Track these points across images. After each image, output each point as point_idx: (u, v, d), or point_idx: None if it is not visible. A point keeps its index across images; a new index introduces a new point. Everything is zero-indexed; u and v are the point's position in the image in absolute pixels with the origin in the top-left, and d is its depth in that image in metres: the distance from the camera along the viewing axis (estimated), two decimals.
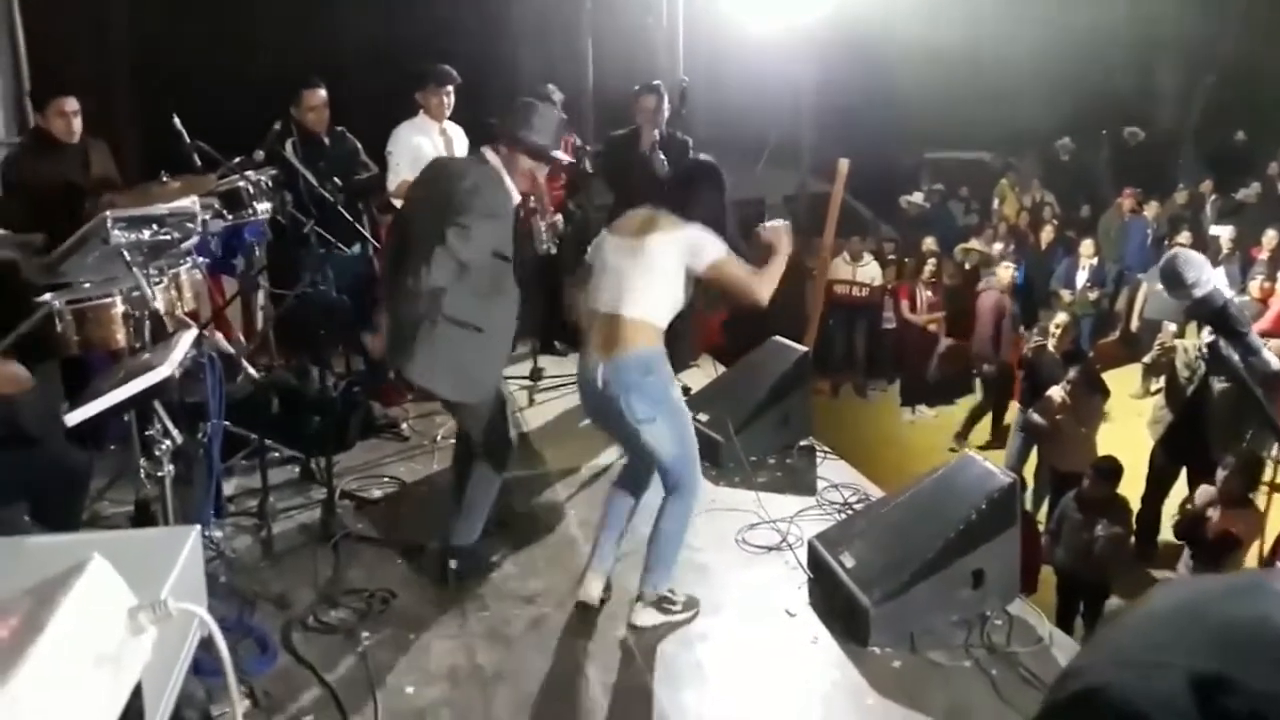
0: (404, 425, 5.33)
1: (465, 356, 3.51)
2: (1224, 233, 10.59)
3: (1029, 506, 6.36)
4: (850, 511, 4.41)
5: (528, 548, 4.14)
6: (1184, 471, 6.54)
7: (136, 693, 1.07)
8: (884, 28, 10.36)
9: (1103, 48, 13.84)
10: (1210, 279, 1.58)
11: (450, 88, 5.45)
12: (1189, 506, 5.89)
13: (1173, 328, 8.16)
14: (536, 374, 5.85)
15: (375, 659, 3.37)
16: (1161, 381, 7.36)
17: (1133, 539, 5.87)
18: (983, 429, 8.84)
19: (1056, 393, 6.55)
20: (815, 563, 3.88)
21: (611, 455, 5.04)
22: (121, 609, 1.03)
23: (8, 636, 0.92)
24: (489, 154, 3.59)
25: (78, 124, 4.82)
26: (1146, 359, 9.29)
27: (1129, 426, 7.77)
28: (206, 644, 1.30)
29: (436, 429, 5.29)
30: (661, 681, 3.29)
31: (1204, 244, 10.35)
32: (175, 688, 1.23)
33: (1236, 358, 1.49)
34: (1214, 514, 5.39)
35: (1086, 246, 10.46)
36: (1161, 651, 0.59)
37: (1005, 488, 3.61)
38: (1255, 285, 8.95)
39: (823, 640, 3.53)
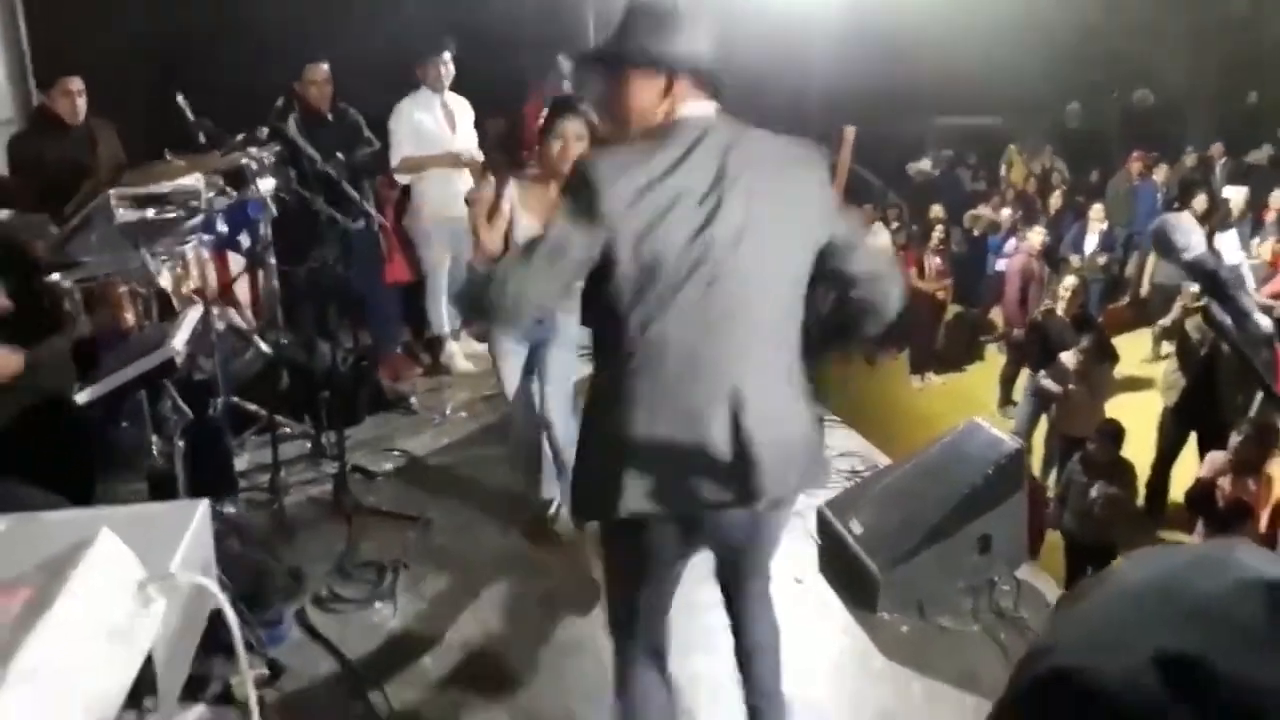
0: (412, 399, 5.35)
1: None
2: (1236, 195, 10.51)
3: (1037, 472, 6.37)
4: (859, 479, 4.42)
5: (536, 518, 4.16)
6: (1194, 436, 6.54)
7: (148, 664, 1.08)
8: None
9: (1112, 10, 13.67)
10: (1200, 243, 1.58)
11: (447, 55, 5.42)
12: (1202, 476, 5.88)
13: (1195, 288, 8.11)
14: None
15: (388, 631, 3.41)
16: (1173, 346, 7.34)
17: (1142, 502, 5.87)
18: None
19: (1069, 359, 6.54)
20: (824, 530, 3.90)
21: None
22: (131, 582, 1.04)
23: (19, 609, 0.93)
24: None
25: (82, 104, 4.82)
26: (1163, 321, 9.25)
27: (1139, 391, 7.76)
28: (220, 619, 1.31)
29: (445, 403, 5.31)
30: (671, 649, 3.31)
31: (1217, 207, 10.30)
32: (187, 659, 1.25)
33: (1229, 321, 1.49)
34: (1225, 482, 5.38)
35: (1096, 211, 10.39)
36: (1129, 630, 0.59)
37: (1012, 453, 3.63)
38: (1266, 247, 8.89)
39: (832, 606, 3.56)
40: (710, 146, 1.99)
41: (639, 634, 2.33)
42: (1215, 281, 1.60)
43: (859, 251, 2.15)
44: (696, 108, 2.05)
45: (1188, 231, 1.65)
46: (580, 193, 1.94)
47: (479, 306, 2.11)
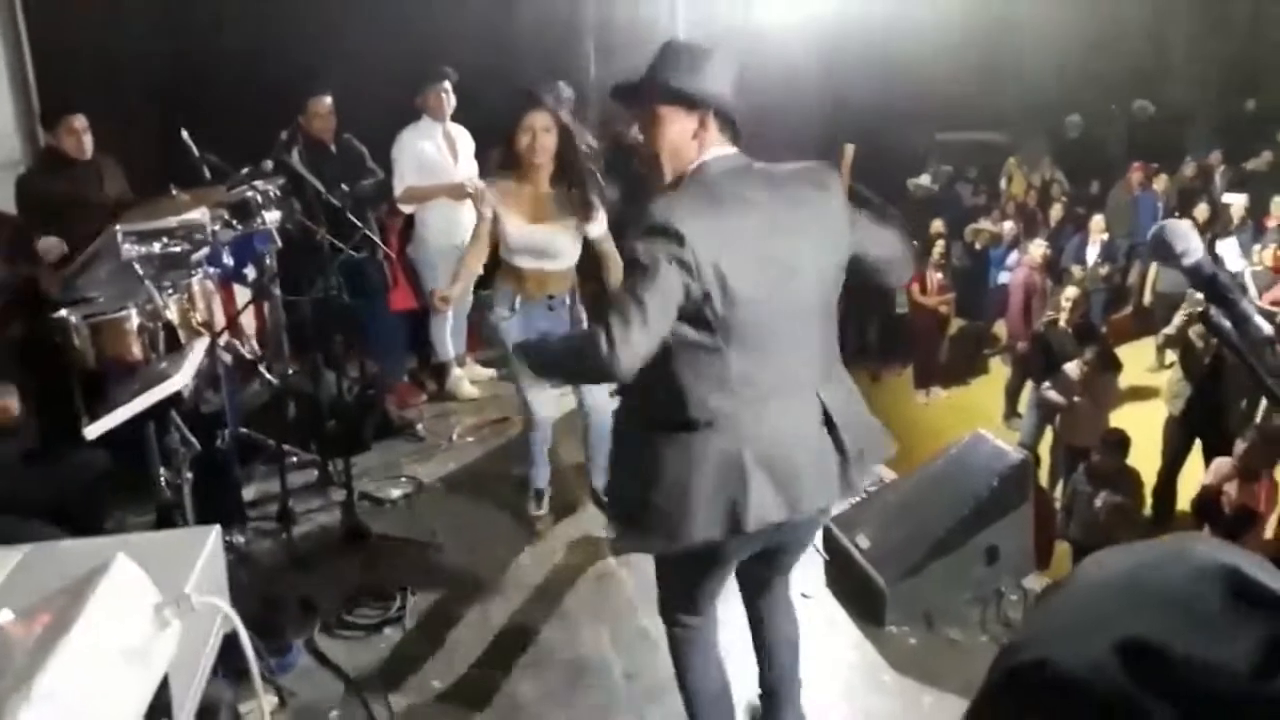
0: (419, 426, 5.38)
1: None
2: (1236, 202, 10.54)
3: (1044, 483, 6.38)
4: (865, 494, 4.43)
5: (546, 537, 4.18)
6: (1199, 444, 6.55)
7: (164, 686, 1.11)
8: (887, 11, 10.34)
9: (1109, 22, 13.74)
10: (1199, 248, 1.60)
11: (447, 84, 5.48)
12: (1207, 483, 5.89)
13: (1198, 297, 8.12)
14: None
15: (398, 656, 3.43)
16: (1176, 355, 7.35)
17: (1149, 510, 5.88)
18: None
19: (1072, 369, 6.56)
20: (830, 545, 3.91)
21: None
22: (146, 605, 1.07)
23: (40, 633, 0.96)
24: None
25: (88, 141, 4.88)
26: (1167, 330, 9.27)
27: (1144, 400, 7.76)
28: (232, 643, 1.34)
29: (451, 429, 5.34)
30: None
31: (1218, 215, 10.33)
32: (201, 682, 1.28)
33: (1228, 325, 1.51)
34: (1231, 489, 5.39)
35: (1097, 223, 10.43)
36: (1093, 621, 0.62)
37: (1016, 464, 3.64)
38: (1268, 254, 8.92)
39: (840, 621, 3.57)
40: (744, 183, 2.18)
41: (700, 619, 2.50)
42: (1214, 286, 1.62)
43: (876, 245, 2.39)
44: (723, 150, 2.21)
45: (1186, 236, 1.67)
46: (667, 237, 2.04)
47: (581, 372, 2.27)
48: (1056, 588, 0.70)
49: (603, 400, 3.96)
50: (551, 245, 3.90)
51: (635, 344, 2.01)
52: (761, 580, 2.61)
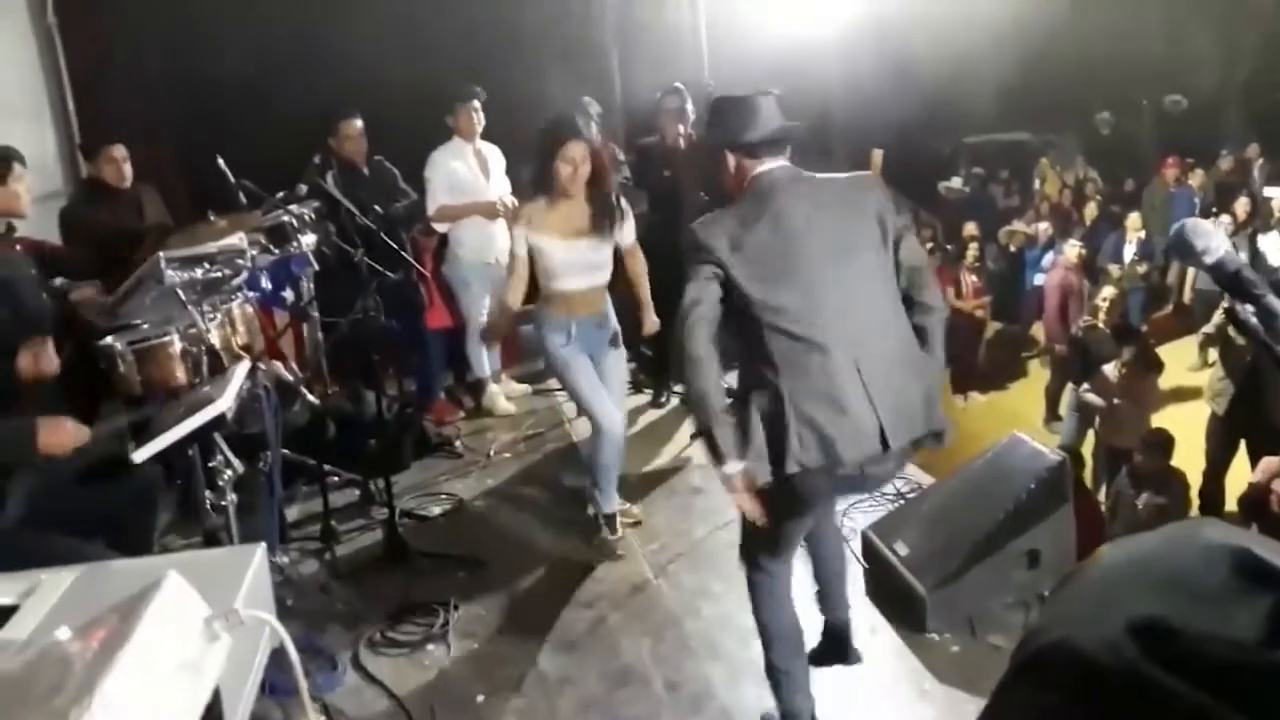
0: (457, 443, 5.43)
1: None
2: (1277, 196, 10.37)
3: (1089, 485, 6.30)
4: (903, 500, 4.41)
5: (581, 555, 4.20)
6: (1244, 443, 6.43)
7: (215, 698, 1.14)
8: (913, 16, 10.31)
9: (1137, 16, 13.60)
10: (1220, 245, 1.60)
11: (477, 103, 5.55)
12: (1255, 480, 5.79)
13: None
14: None
15: (443, 672, 3.46)
16: (1217, 353, 7.24)
17: (1195, 512, 5.78)
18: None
19: (1111, 370, 6.48)
20: (869, 553, 3.90)
21: (665, 459, 5.11)
22: (197, 619, 1.10)
23: (97, 648, 1.00)
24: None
25: (128, 170, 4.99)
26: (1206, 329, 9.14)
27: (1187, 400, 7.65)
28: (278, 662, 1.37)
29: (489, 445, 5.39)
30: (723, 677, 3.34)
31: (1258, 210, 10.17)
32: (251, 694, 1.31)
33: (1255, 322, 1.51)
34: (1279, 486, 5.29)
35: (1133, 220, 10.31)
36: (1106, 602, 0.64)
37: (1054, 466, 3.61)
38: None
39: (881, 630, 3.55)
40: (791, 191, 2.68)
41: (780, 564, 2.88)
42: (1239, 282, 1.62)
43: (906, 252, 2.76)
44: (768, 165, 2.72)
45: (1207, 234, 1.67)
46: (699, 250, 2.62)
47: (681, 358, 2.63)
48: (1073, 574, 0.73)
49: (619, 424, 4.07)
50: (596, 257, 4.02)
51: (696, 325, 2.55)
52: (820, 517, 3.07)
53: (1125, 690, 0.59)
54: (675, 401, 5.79)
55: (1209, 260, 1.62)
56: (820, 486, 2.65)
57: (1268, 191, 10.63)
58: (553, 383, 6.22)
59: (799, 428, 2.52)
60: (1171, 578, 0.63)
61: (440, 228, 5.69)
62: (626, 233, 4.10)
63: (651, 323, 4.33)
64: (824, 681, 3.26)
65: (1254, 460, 6.10)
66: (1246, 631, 0.59)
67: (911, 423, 2.61)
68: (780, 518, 2.72)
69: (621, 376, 4.35)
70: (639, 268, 4.28)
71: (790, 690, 2.90)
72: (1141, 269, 10.18)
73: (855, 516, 4.31)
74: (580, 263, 3.99)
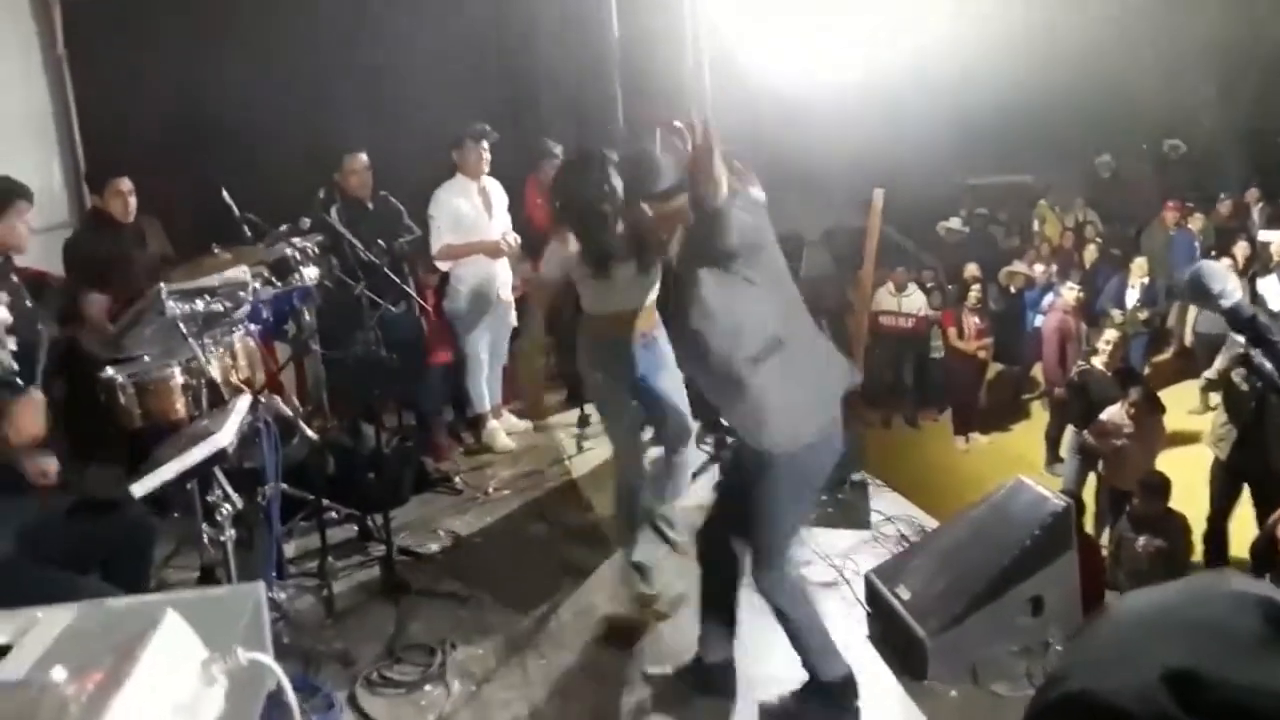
0: (456, 478, 5.40)
1: None
2: (1275, 239, 10.41)
3: (1090, 530, 6.27)
4: (906, 544, 4.38)
5: (581, 595, 4.16)
6: (1246, 488, 6.40)
7: None
8: (914, 61, 10.39)
9: (1136, 60, 13.72)
10: (1236, 289, 1.59)
11: (486, 143, 5.57)
12: (1263, 529, 5.75)
13: (1240, 339, 7.98)
14: (584, 420, 5.90)
15: (439, 712, 3.41)
16: (1219, 397, 7.23)
17: (1199, 557, 5.74)
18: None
19: (1116, 414, 6.46)
20: (873, 597, 3.86)
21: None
22: (195, 660, 1.08)
23: (92, 691, 0.98)
24: None
25: (133, 202, 5.00)
26: (1208, 373, 9.13)
27: (1187, 444, 7.63)
28: (275, 702, 1.35)
29: (488, 481, 5.36)
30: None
31: (1257, 253, 10.20)
32: None
33: (1269, 366, 1.50)
34: None
35: (1139, 265, 10.30)
36: (1136, 651, 0.62)
37: (1059, 511, 3.59)
38: None
39: (883, 676, 3.51)
40: None
41: (791, 558, 3.13)
42: (1255, 327, 1.61)
43: None
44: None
45: (1223, 278, 1.67)
46: None
47: None
48: (1094, 622, 0.71)
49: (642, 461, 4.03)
50: (638, 283, 3.79)
51: None
52: None
53: None
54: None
55: (1225, 303, 1.61)
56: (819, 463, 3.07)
57: (1264, 235, 10.69)
58: (553, 418, 6.21)
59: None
60: (1200, 626, 0.62)
61: (444, 266, 5.70)
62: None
63: None
64: None
65: (1257, 505, 6.07)
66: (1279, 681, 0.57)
67: None
68: (791, 501, 3.05)
69: (679, 392, 4.02)
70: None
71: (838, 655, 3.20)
72: (1143, 314, 10.17)
73: (859, 560, 4.27)
74: (621, 290, 3.78)
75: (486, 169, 5.62)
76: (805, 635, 3.14)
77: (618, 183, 3.45)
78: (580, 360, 4.01)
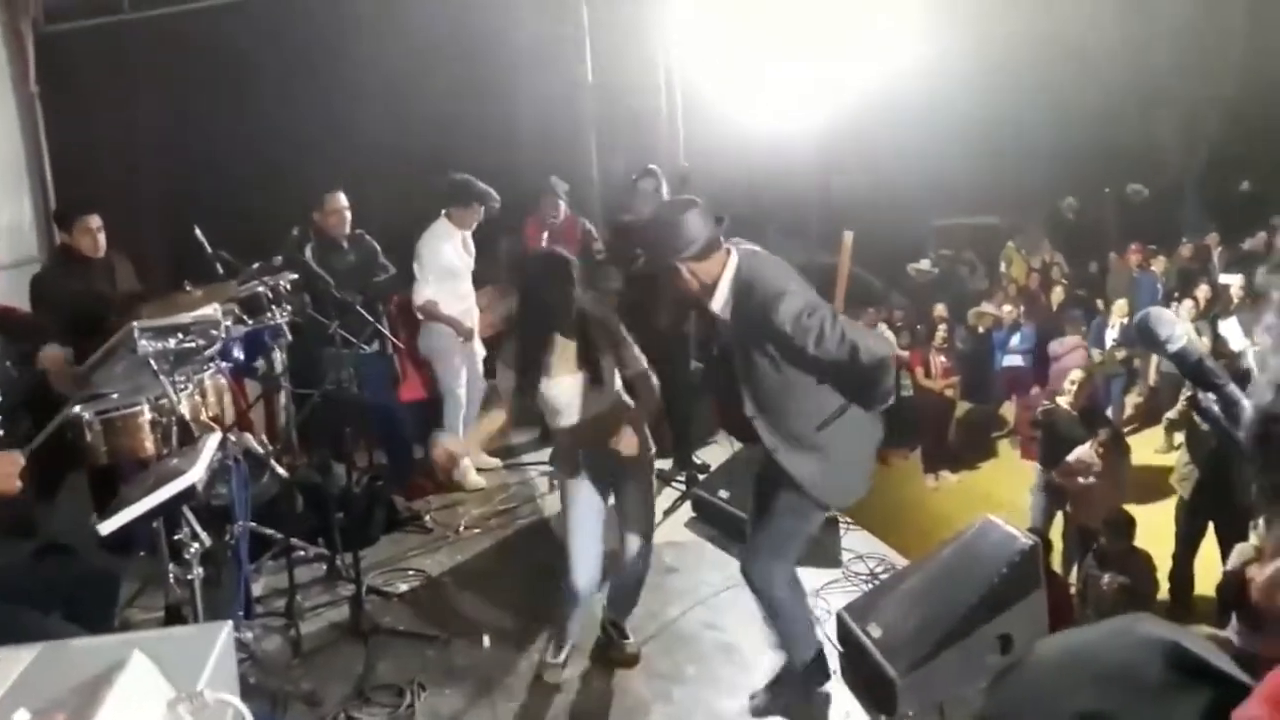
0: (427, 518, 5.37)
1: None
2: (1234, 281, 10.61)
3: (1058, 568, 6.31)
4: (876, 582, 4.40)
5: (554, 634, 4.13)
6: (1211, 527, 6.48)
7: None
8: (886, 102, 10.57)
9: (1101, 105, 14.02)
10: (1183, 335, 1.64)
11: (482, 210, 5.66)
12: (1227, 569, 5.80)
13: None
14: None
15: None
16: (1183, 437, 7.33)
17: (1165, 595, 5.80)
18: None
19: (1085, 454, 6.53)
20: (844, 635, 3.87)
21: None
22: (161, 701, 1.08)
23: None
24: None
25: (103, 240, 4.97)
26: (1170, 414, 9.26)
27: (1154, 483, 7.72)
28: None
29: (458, 520, 5.33)
30: None
31: (1218, 295, 10.39)
32: None
33: (1217, 410, 1.54)
34: (1255, 572, 5.31)
35: (1120, 306, 10.43)
36: (1051, 695, 0.65)
37: (1026, 550, 3.62)
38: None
39: (854, 713, 3.51)
40: None
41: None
42: (1201, 371, 1.65)
43: None
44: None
45: (1170, 323, 1.71)
46: None
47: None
48: (1013, 665, 0.74)
49: (593, 579, 3.71)
50: (594, 393, 3.55)
51: None
52: None
53: None
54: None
55: (1171, 349, 1.65)
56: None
57: (1224, 278, 10.89)
58: (525, 457, 6.19)
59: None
60: (1110, 671, 0.65)
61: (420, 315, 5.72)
62: (629, 360, 3.61)
63: (629, 444, 3.55)
64: None
65: (1221, 543, 6.15)
66: None
67: None
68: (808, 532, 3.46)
69: (643, 507, 3.75)
70: (645, 395, 3.66)
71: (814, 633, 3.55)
72: (1120, 354, 10.29)
73: (830, 598, 4.28)
74: (577, 399, 3.55)
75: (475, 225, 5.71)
76: (792, 622, 3.43)
77: (579, 291, 3.49)
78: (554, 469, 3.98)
